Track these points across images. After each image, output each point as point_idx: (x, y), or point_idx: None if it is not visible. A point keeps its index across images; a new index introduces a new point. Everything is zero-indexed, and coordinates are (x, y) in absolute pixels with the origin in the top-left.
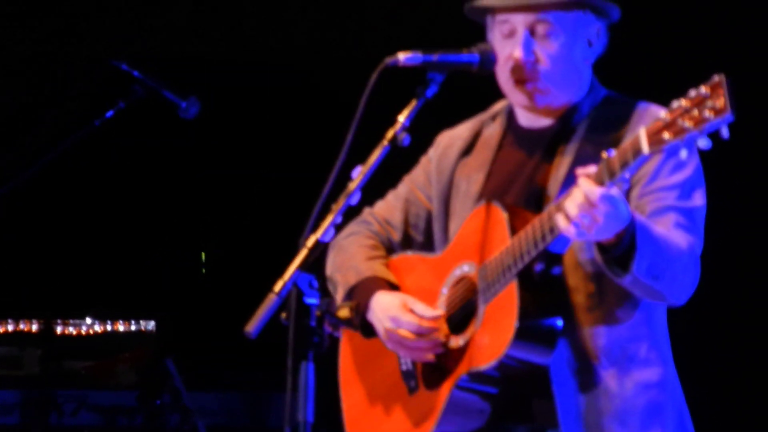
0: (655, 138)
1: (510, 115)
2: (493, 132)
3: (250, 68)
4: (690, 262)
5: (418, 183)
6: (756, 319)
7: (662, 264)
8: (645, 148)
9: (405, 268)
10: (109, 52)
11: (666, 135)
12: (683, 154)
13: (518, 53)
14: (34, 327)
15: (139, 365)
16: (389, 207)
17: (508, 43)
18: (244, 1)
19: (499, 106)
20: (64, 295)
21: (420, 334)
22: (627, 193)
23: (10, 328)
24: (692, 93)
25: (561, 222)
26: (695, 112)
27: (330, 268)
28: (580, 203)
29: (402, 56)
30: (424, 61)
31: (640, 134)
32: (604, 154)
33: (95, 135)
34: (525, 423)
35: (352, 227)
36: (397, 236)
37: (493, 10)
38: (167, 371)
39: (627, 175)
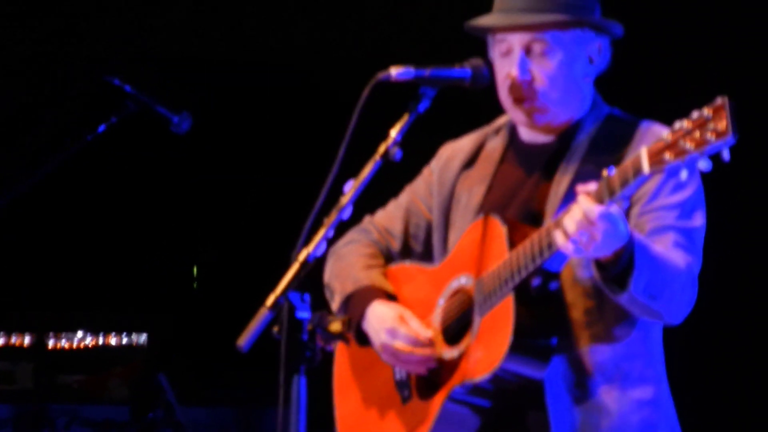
0: (656, 158)
1: (513, 129)
2: (495, 145)
3: (246, 69)
4: (687, 281)
5: (419, 193)
6: (750, 338)
7: (660, 283)
8: (646, 167)
9: (403, 278)
10: (108, 53)
11: (667, 155)
12: (683, 175)
13: (514, 73)
14: (27, 341)
15: (132, 380)
16: (390, 216)
17: (506, 61)
18: (242, 1)
19: (503, 119)
20: (56, 309)
21: (416, 346)
22: (627, 212)
23: (2, 342)
24: (695, 114)
25: (559, 238)
26: (697, 134)
27: (328, 275)
28: (578, 220)
29: (394, 71)
30: (416, 76)
31: (641, 154)
32: (605, 173)
33: (87, 149)
34: None
35: (351, 235)
36: (396, 245)
37: (491, 30)
38: (160, 386)
39: (627, 194)
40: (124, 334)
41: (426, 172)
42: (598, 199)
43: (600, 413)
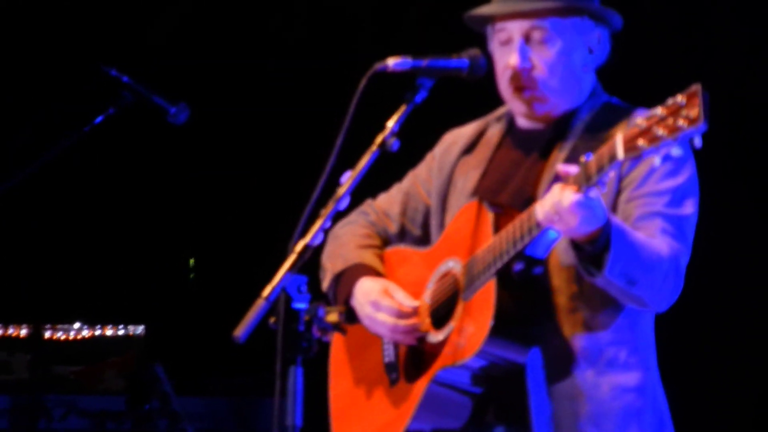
0: (630, 144)
1: (512, 117)
2: (494, 132)
3: (235, 68)
4: (671, 269)
5: (420, 178)
6: (743, 327)
7: (638, 269)
8: (620, 153)
9: (397, 261)
10: (101, 51)
11: (641, 142)
12: (656, 161)
13: (514, 61)
14: (23, 332)
15: (128, 370)
16: (390, 199)
17: (505, 51)
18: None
19: (505, 108)
20: (53, 300)
21: (399, 318)
22: (615, 197)
23: None
24: (669, 101)
25: (540, 215)
26: (670, 121)
27: (324, 255)
28: (555, 202)
29: (391, 61)
30: (413, 66)
31: (616, 140)
32: (583, 158)
33: (84, 140)
34: (502, 423)
35: (350, 217)
36: (393, 228)
37: (491, 20)
38: (156, 376)
39: (604, 180)
40: (120, 324)
41: (429, 157)
42: (576, 184)
43: (582, 400)
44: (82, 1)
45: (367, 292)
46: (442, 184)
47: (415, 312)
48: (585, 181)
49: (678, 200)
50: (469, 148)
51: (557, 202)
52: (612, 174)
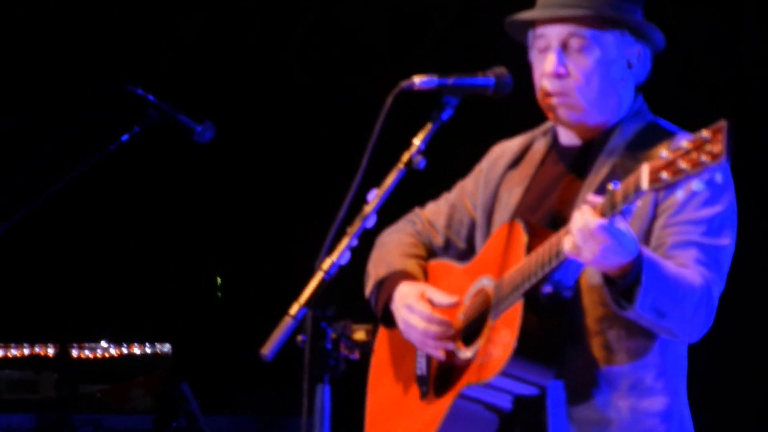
0: (654, 176)
1: (556, 132)
2: (539, 147)
3: (261, 83)
4: (702, 301)
5: (467, 190)
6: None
7: (669, 303)
8: (645, 185)
9: (439, 273)
10: (121, 69)
11: (664, 174)
12: (679, 195)
13: (550, 66)
14: (50, 351)
15: (155, 389)
16: (437, 209)
17: (542, 58)
18: (250, 18)
19: (550, 122)
20: (80, 319)
21: (430, 322)
22: (651, 222)
23: (26, 352)
24: (696, 135)
25: (567, 245)
26: (694, 155)
27: (369, 262)
28: (579, 228)
29: (417, 80)
30: (439, 84)
31: (642, 170)
32: (610, 186)
33: (110, 159)
34: None
35: (398, 224)
36: (438, 239)
37: (531, 25)
38: (183, 395)
39: (629, 209)
40: (147, 343)
41: (476, 169)
42: (601, 212)
43: (603, 424)
44: (102, 18)
45: (404, 296)
46: (488, 198)
47: (447, 324)
48: (610, 209)
49: (715, 230)
50: (515, 162)
51: (581, 227)
52: (639, 203)
